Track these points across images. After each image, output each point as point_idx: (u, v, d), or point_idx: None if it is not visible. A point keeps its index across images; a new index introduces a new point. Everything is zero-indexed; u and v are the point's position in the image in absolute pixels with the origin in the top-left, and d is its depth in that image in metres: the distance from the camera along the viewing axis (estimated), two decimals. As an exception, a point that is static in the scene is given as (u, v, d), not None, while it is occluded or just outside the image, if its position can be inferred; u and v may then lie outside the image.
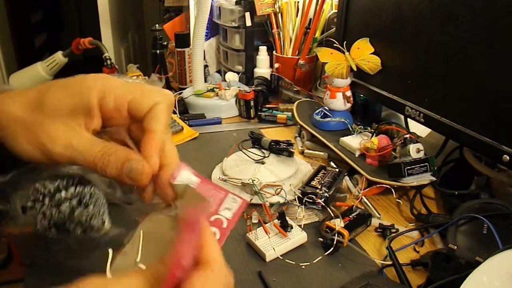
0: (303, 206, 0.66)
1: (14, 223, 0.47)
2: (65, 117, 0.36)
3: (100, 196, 0.49)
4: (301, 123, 0.92)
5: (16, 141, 0.36)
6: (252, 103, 1.07)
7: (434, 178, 0.70)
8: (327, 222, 0.61)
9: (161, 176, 0.37)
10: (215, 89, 1.13)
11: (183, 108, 1.11)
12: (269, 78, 1.17)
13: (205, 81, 1.20)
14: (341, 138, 0.83)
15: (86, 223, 0.50)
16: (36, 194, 0.47)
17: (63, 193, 0.46)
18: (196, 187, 0.36)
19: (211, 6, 1.21)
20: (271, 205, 0.67)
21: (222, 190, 0.37)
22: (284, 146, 0.80)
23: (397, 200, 0.72)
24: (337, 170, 0.75)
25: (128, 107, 0.37)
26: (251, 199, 0.68)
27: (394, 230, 0.63)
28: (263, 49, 1.18)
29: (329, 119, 0.90)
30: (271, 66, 1.19)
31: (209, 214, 0.35)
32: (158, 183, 0.37)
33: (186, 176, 0.38)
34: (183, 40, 1.20)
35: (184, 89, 1.21)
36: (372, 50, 0.84)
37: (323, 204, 0.65)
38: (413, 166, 0.69)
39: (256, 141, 0.86)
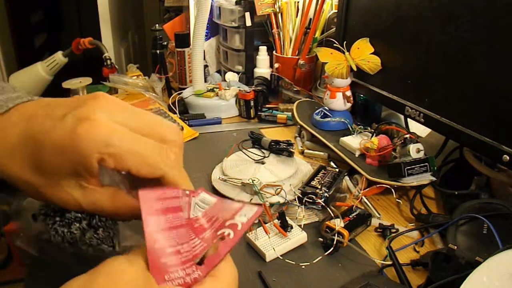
0: (303, 206, 0.66)
1: (26, 230, 0.47)
2: (68, 178, 0.33)
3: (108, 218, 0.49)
4: (301, 123, 0.92)
5: (7, 170, 0.34)
6: (252, 103, 1.07)
7: (434, 178, 0.70)
8: (327, 222, 0.61)
9: None
10: (215, 89, 1.13)
11: (183, 108, 1.11)
12: (269, 78, 1.17)
13: (205, 81, 1.20)
14: (341, 138, 0.83)
15: (96, 245, 0.50)
16: (46, 208, 0.47)
17: (72, 213, 0.46)
18: (213, 206, 0.37)
19: (211, 6, 1.21)
20: (271, 205, 0.67)
21: (239, 202, 0.38)
22: (284, 146, 0.80)
23: (397, 200, 0.72)
24: (337, 170, 0.75)
25: (136, 174, 0.34)
26: (251, 199, 0.68)
27: (394, 230, 0.63)
28: (263, 49, 1.18)
29: (329, 119, 0.90)
30: (271, 66, 1.19)
31: (224, 221, 0.36)
32: None
33: (204, 197, 0.39)
34: (183, 40, 1.20)
35: (184, 89, 1.21)
36: (372, 50, 0.84)
37: (323, 204, 0.65)
38: (413, 166, 0.69)
39: (256, 141, 0.86)
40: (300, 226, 0.63)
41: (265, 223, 0.62)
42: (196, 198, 0.38)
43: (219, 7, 1.27)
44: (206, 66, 1.31)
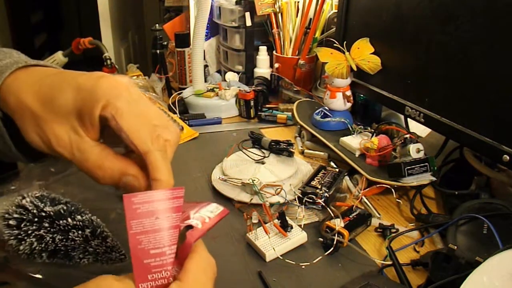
0: (303, 206, 0.66)
1: None
2: (72, 119, 0.36)
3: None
4: (301, 123, 0.92)
5: (25, 130, 0.37)
6: (252, 103, 1.07)
7: (434, 178, 0.70)
8: (327, 222, 0.61)
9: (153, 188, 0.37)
10: (215, 89, 1.13)
11: (183, 108, 1.11)
12: (269, 78, 1.17)
13: (205, 81, 1.20)
14: (341, 138, 0.83)
15: (104, 253, 0.50)
16: (23, 212, 0.46)
17: (69, 220, 0.47)
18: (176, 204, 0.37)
19: (211, 6, 1.21)
20: (271, 205, 0.67)
21: (205, 202, 0.39)
22: (284, 146, 0.80)
23: (397, 200, 0.72)
24: (337, 170, 0.75)
25: (125, 140, 0.37)
26: (251, 199, 0.68)
27: (394, 230, 0.63)
28: (263, 49, 1.18)
29: (329, 119, 0.90)
30: (271, 66, 1.19)
31: (189, 215, 0.36)
32: None
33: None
34: (183, 40, 1.20)
35: (184, 89, 1.21)
36: (372, 50, 0.84)
37: (323, 204, 0.65)
38: (413, 166, 0.69)
39: (256, 141, 0.86)
40: (300, 226, 0.63)
41: (265, 223, 0.62)
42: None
43: (219, 7, 1.27)
44: (206, 66, 1.31)
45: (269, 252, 0.58)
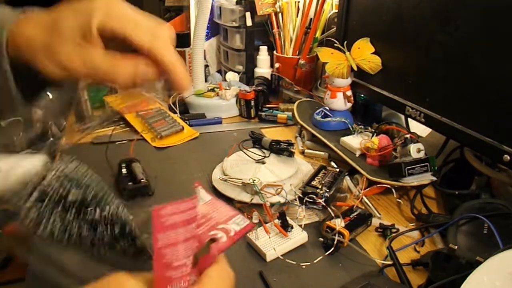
0: (303, 206, 0.66)
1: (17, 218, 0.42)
2: (78, 39, 0.39)
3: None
4: (301, 123, 0.92)
5: (39, 60, 0.40)
6: (252, 103, 1.07)
7: (434, 178, 0.70)
8: (327, 222, 0.61)
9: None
10: (215, 89, 1.13)
11: (183, 108, 1.11)
12: (269, 78, 1.17)
13: (206, 81, 1.20)
14: (342, 138, 0.83)
15: (133, 254, 0.46)
16: (45, 194, 0.41)
17: (95, 213, 0.43)
18: (208, 203, 0.39)
19: (212, 6, 1.21)
20: (272, 205, 0.67)
21: (233, 210, 0.40)
22: (285, 146, 0.80)
23: (397, 200, 0.72)
24: (337, 170, 0.75)
25: (125, 41, 0.40)
26: (252, 199, 0.68)
27: (394, 230, 0.63)
28: (263, 49, 1.18)
29: (329, 119, 0.90)
30: (272, 66, 1.19)
31: (217, 224, 0.37)
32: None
33: (202, 192, 0.40)
34: (184, 40, 1.20)
35: (184, 89, 1.21)
36: (373, 50, 0.84)
37: (324, 204, 0.65)
38: (413, 166, 0.69)
39: (256, 141, 0.86)
40: (300, 226, 0.63)
41: (266, 223, 0.62)
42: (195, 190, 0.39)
43: (220, 7, 1.27)
44: (206, 66, 1.31)
45: (269, 252, 0.58)
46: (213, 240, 0.35)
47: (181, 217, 0.35)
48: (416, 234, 0.63)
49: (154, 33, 0.41)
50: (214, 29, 1.36)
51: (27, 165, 0.43)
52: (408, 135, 0.74)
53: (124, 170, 0.77)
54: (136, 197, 0.73)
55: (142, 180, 0.74)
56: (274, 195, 0.68)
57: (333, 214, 0.62)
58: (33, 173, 0.42)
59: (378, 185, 0.71)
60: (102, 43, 0.40)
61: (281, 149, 0.80)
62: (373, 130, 0.83)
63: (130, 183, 0.73)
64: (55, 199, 0.42)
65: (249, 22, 1.18)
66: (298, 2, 1.14)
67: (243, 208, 0.69)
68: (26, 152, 0.48)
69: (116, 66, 0.40)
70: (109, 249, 0.45)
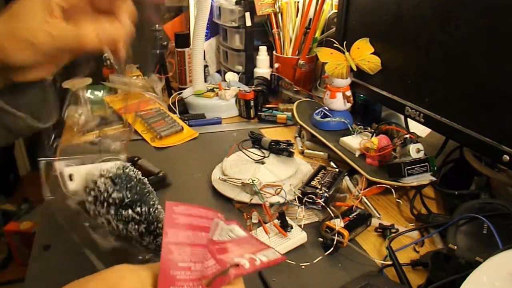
0: (303, 206, 0.66)
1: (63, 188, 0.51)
2: (38, 13, 0.40)
3: (162, 211, 0.51)
4: (301, 123, 0.92)
5: (7, 51, 0.40)
6: (252, 103, 1.07)
7: (434, 178, 0.70)
8: (327, 222, 0.61)
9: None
10: (215, 89, 1.13)
11: (183, 108, 1.11)
12: (269, 78, 1.17)
13: (205, 81, 1.20)
14: (341, 138, 0.83)
15: (154, 251, 0.52)
16: (95, 192, 0.49)
17: (129, 211, 0.49)
18: (241, 238, 0.39)
19: (211, 6, 1.21)
20: (271, 205, 0.67)
21: (265, 245, 0.40)
22: (284, 146, 0.80)
23: (397, 200, 0.72)
24: (337, 170, 0.75)
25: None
26: (251, 199, 0.68)
27: (394, 230, 0.63)
28: (263, 49, 1.18)
29: (329, 119, 0.90)
30: (271, 66, 1.19)
31: (245, 252, 0.37)
32: None
33: (235, 228, 0.41)
34: (183, 40, 1.20)
35: (184, 89, 1.21)
36: (372, 50, 0.84)
37: (323, 204, 0.65)
38: (413, 166, 0.69)
39: (256, 141, 0.86)
40: (300, 226, 0.62)
41: (265, 223, 0.62)
42: (228, 226, 0.39)
43: (219, 7, 1.27)
44: (206, 66, 1.31)
45: (269, 252, 0.58)
46: (236, 265, 0.35)
47: (191, 220, 0.35)
48: (415, 234, 0.63)
49: None
50: (213, 29, 1.35)
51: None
52: (407, 135, 0.74)
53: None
54: (157, 190, 0.74)
55: (161, 173, 0.76)
56: (273, 195, 0.68)
57: (332, 214, 0.62)
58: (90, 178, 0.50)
59: (378, 185, 0.71)
60: (62, 14, 0.41)
61: (280, 149, 0.80)
62: (372, 130, 0.83)
63: (151, 177, 0.74)
64: (101, 199, 0.48)
65: (248, 22, 1.18)
66: (298, 2, 1.14)
67: (243, 208, 0.69)
68: (104, 159, 0.55)
69: (81, 29, 0.41)
70: (136, 243, 0.51)
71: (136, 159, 0.81)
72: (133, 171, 0.52)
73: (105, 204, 0.49)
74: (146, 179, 0.54)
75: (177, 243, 0.34)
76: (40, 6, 0.40)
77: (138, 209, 0.49)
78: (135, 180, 0.51)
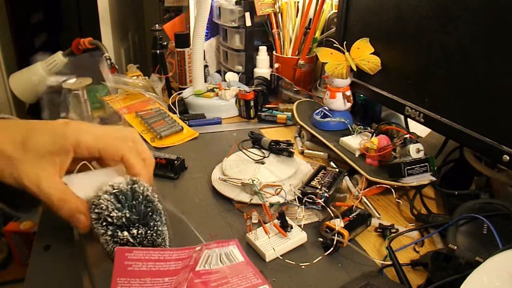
0: (303, 206, 0.66)
1: None
2: (44, 158, 0.43)
3: (164, 233, 0.49)
4: (301, 123, 0.92)
5: (1, 171, 0.43)
6: (252, 103, 1.07)
7: (434, 178, 0.70)
8: (327, 222, 0.61)
9: None
10: (215, 89, 1.13)
11: (183, 108, 1.11)
12: (269, 78, 1.17)
13: (205, 81, 1.20)
14: (341, 138, 0.83)
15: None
16: (98, 208, 0.48)
17: (125, 233, 0.47)
18: (235, 265, 0.37)
19: (211, 6, 1.21)
20: (271, 205, 0.67)
21: (259, 278, 0.38)
22: (284, 146, 0.80)
23: (397, 200, 0.72)
24: (337, 170, 0.75)
25: (99, 154, 0.47)
26: (251, 199, 0.68)
27: (394, 230, 0.63)
28: (263, 49, 1.18)
29: (329, 119, 0.90)
30: (271, 66, 1.19)
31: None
32: None
33: (232, 251, 0.40)
34: (183, 40, 1.20)
35: (184, 89, 1.21)
36: (372, 50, 0.84)
37: (323, 204, 0.65)
38: (413, 166, 0.69)
39: (256, 141, 0.86)
40: (300, 226, 0.62)
41: (265, 223, 0.62)
42: (223, 249, 0.37)
43: (219, 7, 1.27)
44: (206, 66, 1.31)
45: (269, 252, 0.58)
46: None
47: (150, 266, 0.32)
48: (415, 234, 0.63)
49: (123, 142, 0.48)
50: (213, 29, 1.35)
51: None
52: (407, 135, 0.74)
53: None
54: (182, 172, 0.82)
55: (178, 157, 0.81)
56: (273, 195, 0.68)
57: (332, 214, 0.62)
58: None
59: (378, 185, 0.71)
60: (67, 165, 0.45)
61: (280, 149, 0.80)
62: (372, 130, 0.83)
63: (175, 162, 0.79)
64: (102, 218, 0.47)
65: (248, 22, 1.18)
66: (298, 2, 1.14)
67: (243, 208, 0.69)
68: None
69: (65, 203, 0.45)
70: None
71: None
72: (142, 187, 0.49)
73: (105, 223, 0.47)
74: (156, 196, 0.51)
75: None
76: (50, 152, 0.44)
77: (135, 231, 0.46)
78: (141, 197, 0.48)
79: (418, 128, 0.83)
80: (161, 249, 0.34)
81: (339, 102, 0.90)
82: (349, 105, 0.91)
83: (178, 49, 1.20)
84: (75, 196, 0.46)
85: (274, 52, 1.18)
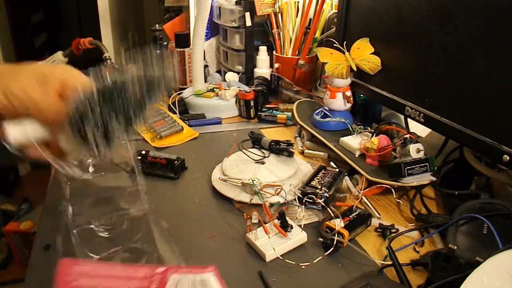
0: (303, 206, 0.66)
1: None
2: (33, 79, 0.44)
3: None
4: (301, 123, 0.92)
5: None
6: (252, 103, 1.07)
7: (434, 178, 0.70)
8: (327, 222, 0.61)
9: None
10: (215, 89, 1.13)
11: (183, 108, 1.11)
12: (269, 78, 1.17)
13: (205, 81, 1.20)
14: (341, 138, 0.83)
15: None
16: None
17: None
18: None
19: (211, 6, 1.21)
20: (271, 205, 0.67)
21: None
22: (284, 146, 0.80)
23: (397, 200, 0.72)
24: (337, 170, 0.75)
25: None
26: (251, 199, 0.68)
27: (394, 230, 0.63)
28: (263, 49, 1.18)
29: (329, 119, 0.90)
30: (271, 66, 1.19)
31: None
32: None
33: (207, 279, 0.36)
34: (183, 40, 1.20)
35: (184, 89, 1.21)
36: (372, 50, 0.84)
37: (323, 204, 0.65)
38: (413, 166, 0.69)
39: (256, 141, 0.86)
40: (300, 226, 0.63)
41: (265, 223, 0.62)
42: (198, 276, 0.33)
43: (219, 7, 1.26)
44: (206, 66, 1.31)
45: (269, 252, 0.58)
46: None
47: (97, 283, 0.30)
48: (415, 234, 0.63)
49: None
50: (213, 29, 1.35)
51: None
52: (407, 135, 0.74)
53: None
54: (182, 171, 0.82)
55: (178, 157, 0.80)
56: (273, 195, 0.68)
57: (332, 214, 0.62)
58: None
59: (378, 185, 0.71)
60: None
61: (280, 149, 0.80)
62: (372, 130, 0.83)
63: (175, 162, 0.79)
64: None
65: (248, 22, 1.18)
66: (298, 2, 1.14)
67: (243, 208, 0.69)
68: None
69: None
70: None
71: (142, 152, 0.82)
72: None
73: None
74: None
75: None
76: (39, 72, 0.45)
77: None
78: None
79: (418, 128, 0.83)
80: (111, 264, 0.30)
81: (339, 102, 0.90)
82: (349, 105, 0.91)
83: (178, 49, 1.20)
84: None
85: (274, 52, 1.18)
